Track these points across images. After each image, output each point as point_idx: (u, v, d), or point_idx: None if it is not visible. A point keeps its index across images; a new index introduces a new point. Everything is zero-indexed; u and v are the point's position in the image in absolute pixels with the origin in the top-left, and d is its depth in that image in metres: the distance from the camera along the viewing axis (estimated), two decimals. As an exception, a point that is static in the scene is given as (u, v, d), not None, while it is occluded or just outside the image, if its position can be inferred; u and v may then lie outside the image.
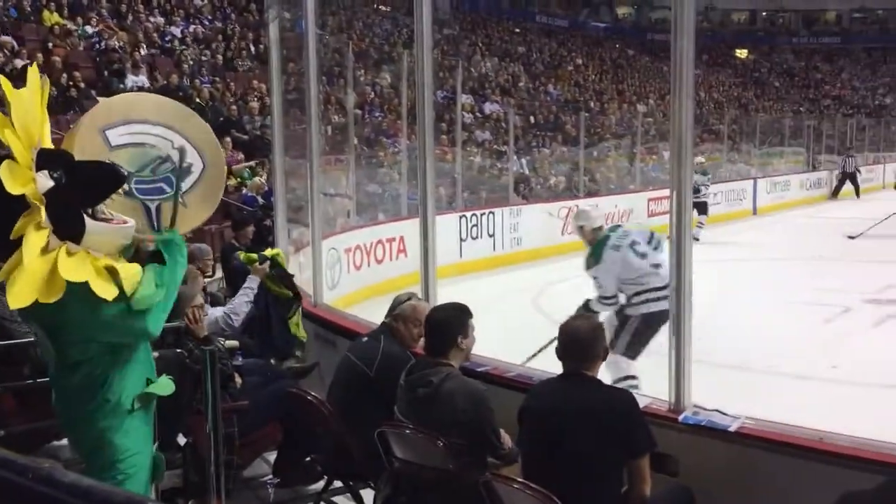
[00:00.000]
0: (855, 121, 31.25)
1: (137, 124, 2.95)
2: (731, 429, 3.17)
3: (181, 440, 4.16)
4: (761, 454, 3.11)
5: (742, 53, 52.58)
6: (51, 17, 15.62)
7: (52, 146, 2.67)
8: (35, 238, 2.42)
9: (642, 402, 3.27)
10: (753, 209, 19.73)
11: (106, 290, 2.50)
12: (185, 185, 2.97)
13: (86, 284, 2.46)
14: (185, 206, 2.96)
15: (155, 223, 2.93)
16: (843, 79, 51.48)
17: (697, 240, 12.89)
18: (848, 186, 24.01)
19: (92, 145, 2.84)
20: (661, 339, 3.49)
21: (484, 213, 11.83)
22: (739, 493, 3.15)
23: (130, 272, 2.62)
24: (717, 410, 3.32)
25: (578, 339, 2.98)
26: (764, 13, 54.34)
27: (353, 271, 8.89)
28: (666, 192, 3.35)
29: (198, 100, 14.08)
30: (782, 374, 6.17)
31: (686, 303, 3.36)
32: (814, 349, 6.92)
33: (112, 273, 2.55)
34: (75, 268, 2.45)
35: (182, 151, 2.94)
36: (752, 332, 7.44)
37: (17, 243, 2.41)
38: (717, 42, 50.08)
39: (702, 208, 14.05)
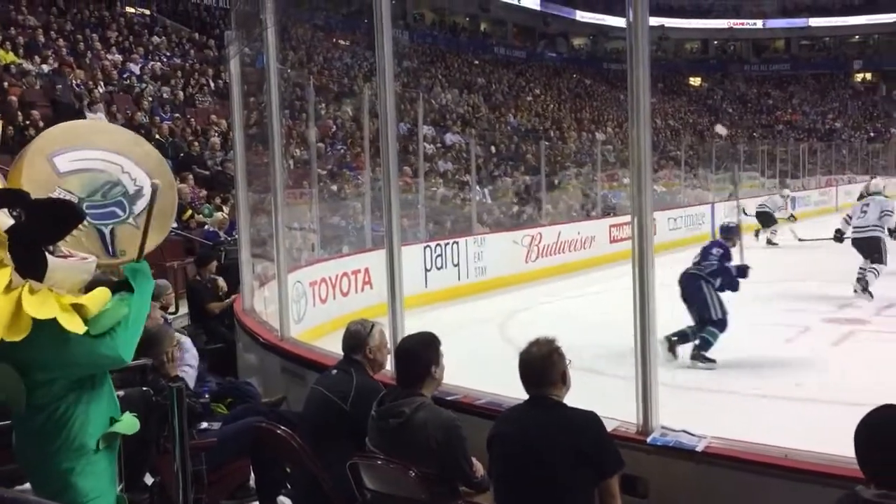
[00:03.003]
0: (807, 145, 32.05)
1: (85, 150, 2.93)
2: (699, 449, 3.22)
3: (148, 480, 4.11)
4: (729, 472, 3.16)
5: (696, 81, 53.80)
6: (6, 56, 15.47)
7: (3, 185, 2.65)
8: None
9: (611, 426, 3.31)
10: (712, 233, 20.06)
11: (74, 324, 2.48)
12: (136, 209, 2.95)
13: (49, 324, 2.43)
14: (137, 228, 2.95)
15: (109, 248, 2.91)
16: (793, 104, 52.87)
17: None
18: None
19: (40, 173, 2.81)
20: (629, 362, 3.52)
21: (448, 243, 11.87)
22: (709, 513, 3.19)
23: (99, 298, 2.60)
24: (684, 431, 3.36)
25: (532, 366, 3.01)
26: (716, 42, 55.72)
27: (319, 304, 8.85)
28: (627, 218, 3.43)
29: (158, 136, 14.02)
30: (746, 393, 6.27)
31: (650, 326, 3.42)
32: (776, 369, 7.03)
33: (77, 308, 2.52)
34: (41, 305, 2.42)
35: (154, 188, 2.93)
36: (716, 353, 7.54)
37: None
38: (672, 71, 51.20)
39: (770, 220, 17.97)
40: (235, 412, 4.62)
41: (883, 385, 6.01)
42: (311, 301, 8.57)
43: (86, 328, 2.52)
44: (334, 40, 30.77)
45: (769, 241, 18.01)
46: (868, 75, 54.26)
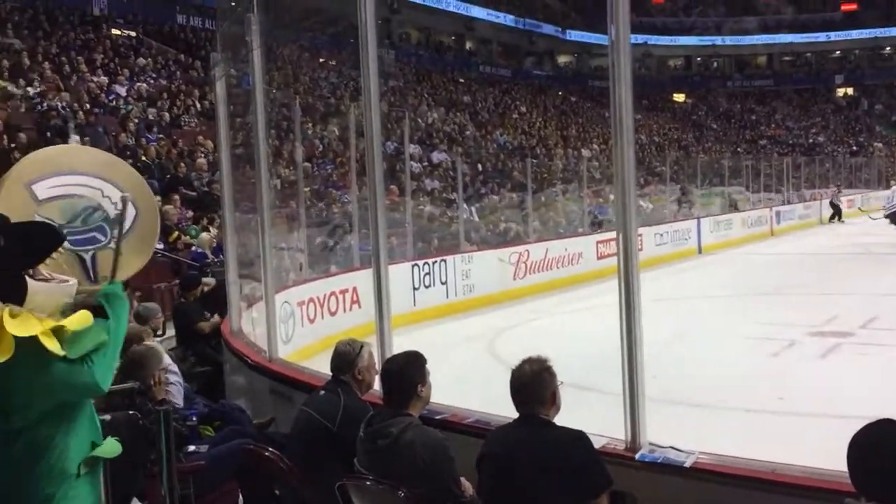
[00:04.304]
0: (790, 159, 32.32)
1: (65, 175, 2.93)
2: (687, 464, 3.23)
3: (136, 504, 4.08)
4: (717, 488, 3.17)
5: (680, 97, 54.22)
6: (-9, 80, 15.45)
7: None
8: None
9: (599, 442, 3.32)
10: (698, 248, 20.17)
11: (53, 346, 2.46)
12: (118, 233, 2.95)
13: (30, 346, 2.41)
14: (120, 254, 2.93)
15: (91, 273, 2.89)
16: (776, 119, 53.36)
17: None
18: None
19: (18, 201, 2.81)
20: (614, 378, 3.53)
21: (435, 262, 11.88)
22: (698, 528, 3.20)
23: (80, 321, 2.58)
24: (672, 447, 3.37)
25: (524, 384, 3.02)
26: (699, 58, 56.25)
27: (307, 324, 8.83)
28: (614, 234, 3.47)
29: (144, 158, 14.00)
30: (733, 408, 6.28)
31: (637, 341, 3.43)
32: (762, 382, 7.05)
33: (57, 332, 2.51)
34: (22, 324, 2.42)
35: (124, 201, 2.93)
36: (703, 368, 7.57)
37: None
38: (656, 87, 51.62)
39: None
40: (223, 434, 4.59)
41: (868, 398, 6.04)
42: (299, 321, 8.55)
43: (63, 352, 2.48)
44: (320, 60, 30.87)
45: None
46: (849, 90, 54.89)
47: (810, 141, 50.09)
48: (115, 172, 3.06)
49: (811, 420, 5.80)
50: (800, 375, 7.38)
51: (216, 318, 7.49)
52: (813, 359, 7.98)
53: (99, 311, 2.73)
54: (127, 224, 2.97)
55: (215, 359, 7.20)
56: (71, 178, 2.93)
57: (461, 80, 40.86)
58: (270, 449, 3.78)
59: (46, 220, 2.81)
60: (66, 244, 2.83)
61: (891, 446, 2.14)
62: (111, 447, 2.76)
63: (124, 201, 2.92)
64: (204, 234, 11.60)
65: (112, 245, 2.91)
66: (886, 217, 20.64)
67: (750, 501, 3.09)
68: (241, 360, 6.19)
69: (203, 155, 15.59)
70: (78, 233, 2.88)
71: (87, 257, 2.88)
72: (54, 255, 2.67)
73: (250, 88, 6.21)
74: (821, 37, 53.77)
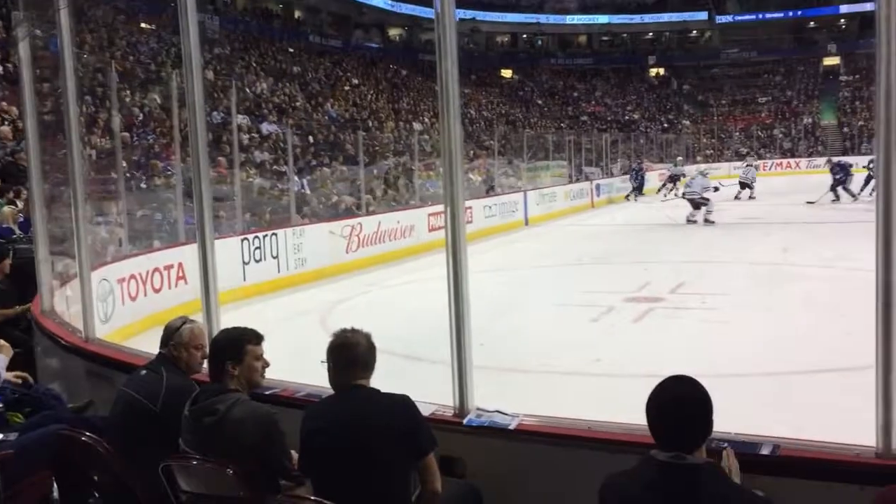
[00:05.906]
0: (609, 135, 34.11)
1: None
2: (511, 427, 3.37)
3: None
4: (539, 447, 3.33)
5: (507, 73, 55.71)
6: None
7: None
8: None
9: (428, 410, 3.40)
10: (525, 220, 20.96)
11: None
12: None
13: None
14: None
15: None
16: (596, 97, 56.05)
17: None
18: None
19: None
20: (445, 348, 3.62)
21: (266, 235, 11.64)
22: (522, 486, 3.36)
23: None
24: (497, 411, 3.51)
25: (359, 351, 3.03)
26: (524, 35, 57.95)
27: (129, 302, 8.42)
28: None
29: (-64, 125, 12.70)
30: (555, 371, 6.63)
31: (465, 311, 3.53)
32: (581, 346, 7.49)
33: None
34: None
35: None
36: (528, 335, 7.93)
37: None
38: (484, 63, 52.73)
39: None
40: (34, 420, 4.31)
41: (674, 357, 6.57)
42: (119, 299, 8.13)
43: None
44: (138, 24, 29.12)
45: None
46: (661, 70, 58.50)
47: (626, 118, 53.05)
48: None
49: (623, 380, 6.22)
50: (615, 339, 7.89)
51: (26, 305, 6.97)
52: (627, 323, 8.54)
53: None
54: None
55: (24, 341, 6.71)
56: None
57: (290, 50, 39.89)
58: (87, 433, 3.58)
59: None
60: None
61: (679, 400, 2.37)
62: None
63: None
64: (7, 208, 10.70)
65: None
66: (686, 199, 19.66)
67: (570, 457, 3.28)
68: (53, 341, 5.82)
69: (7, 122, 14.34)
70: None
71: None
72: None
73: (58, 51, 5.78)
74: (635, 18, 56.92)
